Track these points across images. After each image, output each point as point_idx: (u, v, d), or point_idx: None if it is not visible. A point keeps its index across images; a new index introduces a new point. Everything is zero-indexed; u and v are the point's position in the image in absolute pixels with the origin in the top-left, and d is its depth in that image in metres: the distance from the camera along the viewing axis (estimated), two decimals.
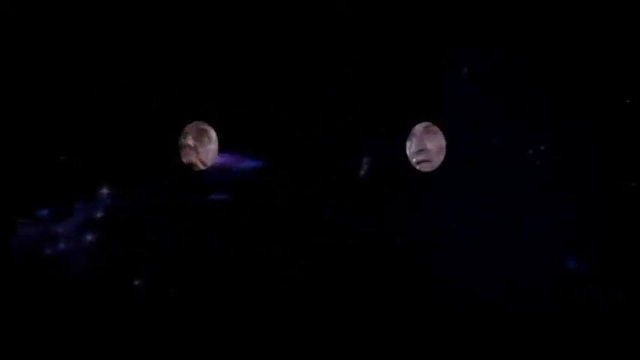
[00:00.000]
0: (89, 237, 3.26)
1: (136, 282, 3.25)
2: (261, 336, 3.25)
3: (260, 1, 3.31)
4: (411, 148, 3.19)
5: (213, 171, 3.28)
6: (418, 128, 3.18)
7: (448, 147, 3.23)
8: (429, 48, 3.32)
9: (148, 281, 3.26)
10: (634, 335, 3.24)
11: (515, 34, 3.31)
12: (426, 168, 3.19)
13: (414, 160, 3.19)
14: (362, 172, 3.31)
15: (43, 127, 3.28)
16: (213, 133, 3.25)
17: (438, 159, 3.17)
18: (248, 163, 3.29)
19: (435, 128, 3.18)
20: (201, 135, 3.24)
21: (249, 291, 3.28)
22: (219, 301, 3.27)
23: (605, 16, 3.30)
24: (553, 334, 3.24)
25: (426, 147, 3.17)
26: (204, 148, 3.24)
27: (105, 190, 3.26)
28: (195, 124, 3.25)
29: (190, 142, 3.24)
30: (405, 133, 3.25)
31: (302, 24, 3.31)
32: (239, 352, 3.25)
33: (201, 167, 3.23)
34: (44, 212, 3.26)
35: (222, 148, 3.27)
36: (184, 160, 3.23)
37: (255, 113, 3.30)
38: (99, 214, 3.27)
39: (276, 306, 3.27)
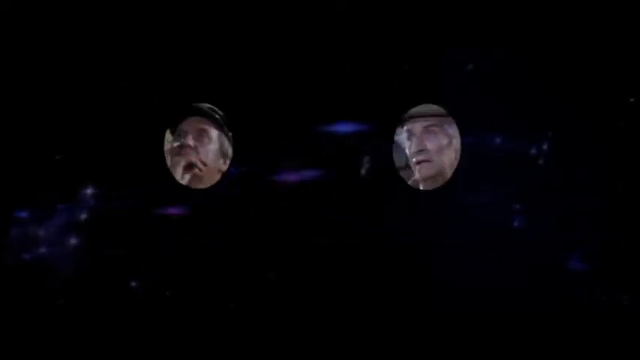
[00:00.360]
0: (85, 238, 3.27)
1: (133, 283, 3.26)
2: (261, 336, 3.25)
3: (260, 1, 3.31)
4: (411, 148, 3.19)
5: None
6: (418, 128, 3.18)
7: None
8: (429, 48, 3.32)
9: (146, 282, 3.27)
10: (634, 335, 3.24)
11: (516, 34, 3.31)
12: (425, 168, 3.18)
13: (414, 160, 3.18)
14: (362, 172, 3.31)
15: (44, 127, 3.29)
16: (213, 133, 3.25)
17: (438, 159, 3.17)
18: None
19: (436, 128, 3.18)
20: (201, 135, 3.24)
21: (249, 291, 3.29)
22: (219, 301, 3.28)
23: (607, 15, 3.30)
24: (553, 334, 3.24)
25: (426, 147, 3.17)
26: (204, 148, 3.23)
27: (100, 191, 3.27)
28: (194, 123, 3.25)
29: (190, 142, 3.23)
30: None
31: (302, 24, 3.31)
32: (239, 352, 3.26)
33: (201, 167, 3.22)
34: (34, 213, 3.28)
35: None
36: (184, 160, 3.22)
37: (255, 114, 3.30)
38: (97, 214, 3.28)
39: (276, 306, 3.27)
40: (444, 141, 3.17)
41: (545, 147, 3.29)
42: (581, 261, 3.27)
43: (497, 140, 3.31)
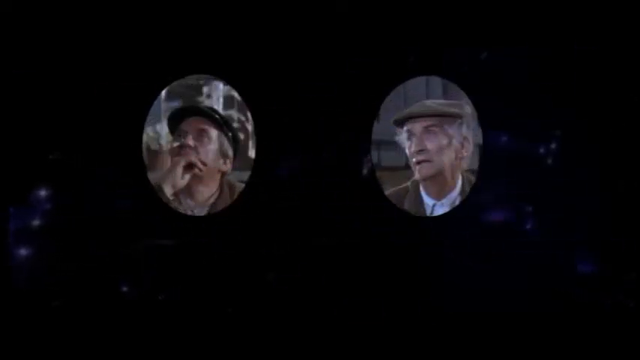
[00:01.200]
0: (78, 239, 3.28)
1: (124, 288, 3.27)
2: (261, 336, 3.25)
3: (261, 1, 3.31)
4: (410, 148, 3.18)
5: None
6: (418, 128, 3.18)
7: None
8: (429, 48, 3.32)
9: (142, 284, 3.29)
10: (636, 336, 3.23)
11: (519, 33, 3.31)
12: (425, 168, 3.18)
13: (414, 160, 3.18)
14: (364, 172, 3.31)
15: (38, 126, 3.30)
16: (213, 133, 3.25)
17: (438, 159, 3.16)
18: None
19: (436, 128, 3.18)
20: (201, 135, 3.24)
21: (249, 291, 3.29)
22: (219, 301, 3.28)
23: (615, 14, 3.30)
24: (560, 335, 3.23)
25: (426, 147, 3.17)
26: (204, 148, 3.23)
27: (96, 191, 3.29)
28: (194, 123, 3.25)
29: (190, 142, 3.23)
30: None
31: (302, 24, 3.31)
32: (238, 352, 3.26)
33: (201, 167, 3.22)
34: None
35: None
36: (184, 160, 3.22)
37: (254, 114, 3.30)
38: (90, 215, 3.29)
39: (276, 306, 3.27)
40: (444, 141, 3.17)
41: (552, 146, 3.29)
42: (590, 263, 3.26)
43: (504, 139, 3.31)
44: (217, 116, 3.26)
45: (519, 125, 3.32)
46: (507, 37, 3.30)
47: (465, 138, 3.19)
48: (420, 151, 3.17)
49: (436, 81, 3.34)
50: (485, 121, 3.28)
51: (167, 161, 3.26)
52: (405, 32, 3.32)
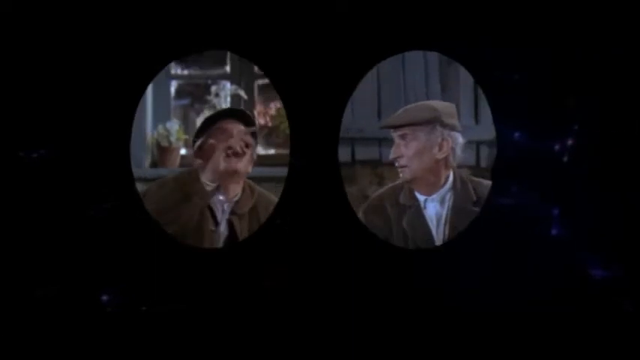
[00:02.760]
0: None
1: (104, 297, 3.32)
2: (259, 337, 3.34)
3: (260, 2, 3.36)
4: (390, 155, 3.29)
5: None
6: (395, 135, 3.26)
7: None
8: (429, 48, 3.33)
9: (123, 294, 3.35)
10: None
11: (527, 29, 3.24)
12: (406, 173, 3.27)
13: (396, 165, 3.28)
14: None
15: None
16: (253, 141, 3.37)
17: (415, 164, 3.24)
18: None
19: (412, 135, 3.25)
20: (247, 140, 3.35)
21: (248, 292, 3.37)
22: (217, 300, 3.37)
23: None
24: (566, 337, 3.21)
25: (401, 154, 3.24)
26: (250, 152, 3.36)
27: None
28: (239, 132, 3.36)
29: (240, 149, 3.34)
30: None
31: (302, 24, 3.33)
32: (237, 352, 3.35)
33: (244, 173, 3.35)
34: None
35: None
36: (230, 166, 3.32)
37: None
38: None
39: (275, 306, 3.35)
40: (420, 146, 3.23)
41: (567, 144, 3.20)
42: (604, 266, 3.19)
43: (516, 135, 3.26)
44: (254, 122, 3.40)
45: (532, 122, 3.24)
46: (518, 34, 3.22)
47: (443, 139, 3.24)
48: (396, 158, 3.27)
49: (435, 79, 3.38)
50: (498, 118, 3.25)
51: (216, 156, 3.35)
52: (406, 32, 3.30)
